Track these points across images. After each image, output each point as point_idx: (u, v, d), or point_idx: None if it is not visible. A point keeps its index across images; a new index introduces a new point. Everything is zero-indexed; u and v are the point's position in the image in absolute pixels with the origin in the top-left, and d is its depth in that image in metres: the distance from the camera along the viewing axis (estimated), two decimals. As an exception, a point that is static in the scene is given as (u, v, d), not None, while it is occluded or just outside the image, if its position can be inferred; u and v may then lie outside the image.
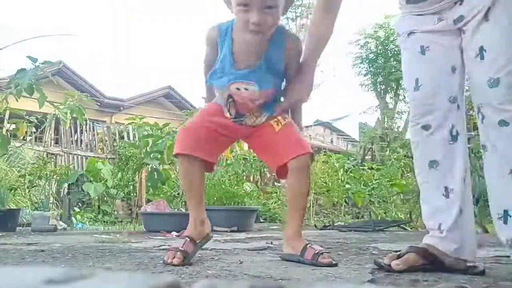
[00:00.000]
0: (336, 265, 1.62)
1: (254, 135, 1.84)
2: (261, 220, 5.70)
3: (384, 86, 13.15)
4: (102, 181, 5.43)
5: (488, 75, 1.42)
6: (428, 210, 1.56)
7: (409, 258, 1.46)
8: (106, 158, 6.18)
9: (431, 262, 1.45)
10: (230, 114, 1.77)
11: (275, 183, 7.33)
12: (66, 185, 5.26)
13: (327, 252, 1.69)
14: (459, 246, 1.46)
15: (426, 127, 1.58)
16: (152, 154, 5.21)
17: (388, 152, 8.63)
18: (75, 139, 7.68)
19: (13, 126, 4.98)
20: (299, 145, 1.74)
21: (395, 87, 13.11)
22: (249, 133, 1.85)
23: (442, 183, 1.53)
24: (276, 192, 6.56)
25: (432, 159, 1.56)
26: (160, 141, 5.28)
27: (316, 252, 1.65)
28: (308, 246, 1.70)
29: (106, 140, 6.78)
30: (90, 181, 5.44)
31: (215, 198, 4.65)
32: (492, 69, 1.42)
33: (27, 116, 4.75)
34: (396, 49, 11.89)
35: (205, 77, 1.85)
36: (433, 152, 1.57)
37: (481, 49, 1.44)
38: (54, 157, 6.60)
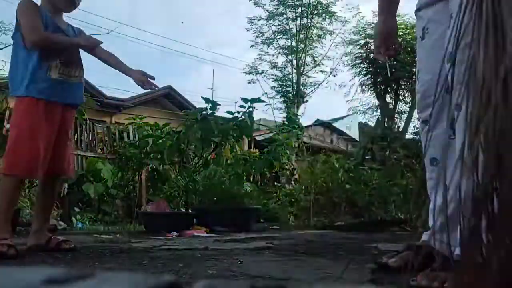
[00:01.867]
0: (74, 249, 2.13)
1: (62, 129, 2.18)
2: (261, 220, 5.69)
3: (384, 86, 13.14)
4: (102, 181, 5.42)
5: (449, 49, 1.26)
6: (430, 208, 1.52)
7: (405, 255, 1.45)
8: (106, 158, 6.17)
9: (428, 259, 1.42)
10: (59, 58, 2.12)
11: (275, 183, 7.33)
12: (66, 185, 5.26)
13: (69, 241, 2.20)
14: (452, 244, 1.41)
15: (425, 122, 1.52)
16: (152, 154, 5.20)
17: (388, 152, 8.62)
18: (75, 139, 7.67)
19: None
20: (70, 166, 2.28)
21: (395, 87, 13.10)
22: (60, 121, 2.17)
23: (442, 181, 1.48)
24: (276, 192, 6.55)
25: (433, 156, 1.51)
26: (160, 141, 5.27)
27: (60, 241, 2.15)
28: (52, 237, 2.17)
29: (106, 140, 6.78)
30: (90, 181, 5.43)
31: (215, 198, 4.65)
32: (452, 41, 1.24)
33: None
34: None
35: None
36: (433, 149, 1.51)
37: (451, 17, 1.24)
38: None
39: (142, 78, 2.26)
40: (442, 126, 1.47)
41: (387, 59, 1.80)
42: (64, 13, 2.29)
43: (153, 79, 2.29)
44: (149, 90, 2.46)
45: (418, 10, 1.52)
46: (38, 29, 2.08)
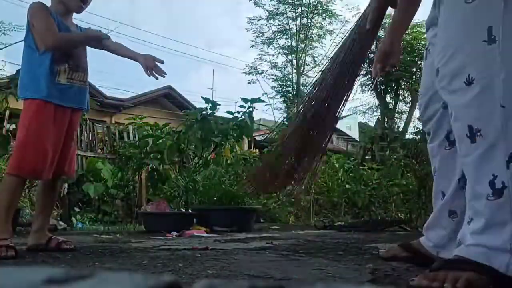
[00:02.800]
0: (74, 249, 2.12)
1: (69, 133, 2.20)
2: (261, 220, 5.69)
3: (384, 86, 13.14)
4: (102, 181, 5.42)
5: (435, 64, 1.30)
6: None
7: (394, 249, 1.60)
8: (106, 158, 6.17)
9: (414, 255, 1.55)
10: (68, 63, 2.14)
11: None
12: (66, 185, 5.26)
13: (69, 241, 2.18)
14: (435, 244, 1.53)
15: (428, 134, 1.64)
16: (152, 154, 5.20)
17: (388, 152, 8.62)
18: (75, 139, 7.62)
19: (13, 126, 4.97)
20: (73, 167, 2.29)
21: (395, 87, 13.09)
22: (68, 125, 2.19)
23: (439, 189, 1.58)
24: (276, 192, 6.55)
25: (433, 165, 1.62)
26: (160, 141, 5.27)
27: (60, 241, 2.14)
28: (52, 237, 2.17)
29: (106, 140, 6.78)
30: (90, 181, 5.43)
31: (215, 198, 4.65)
32: (437, 58, 1.29)
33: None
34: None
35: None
36: (433, 159, 1.61)
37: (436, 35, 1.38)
38: (54, 157, 6.51)
39: (150, 64, 2.21)
40: (439, 138, 1.58)
41: (378, 76, 1.94)
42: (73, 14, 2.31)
43: (162, 62, 2.24)
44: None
45: (426, 31, 1.65)
46: (54, 31, 2.10)
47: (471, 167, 1.17)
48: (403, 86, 12.92)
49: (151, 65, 2.20)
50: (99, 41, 2.26)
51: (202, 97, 4.92)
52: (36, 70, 2.09)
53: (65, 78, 2.13)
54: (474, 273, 1.09)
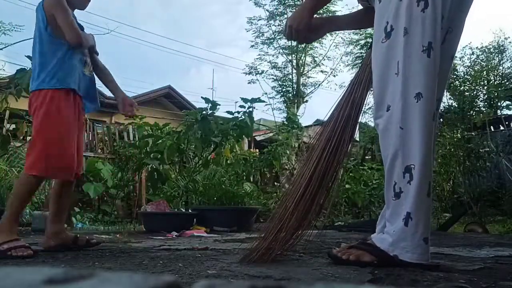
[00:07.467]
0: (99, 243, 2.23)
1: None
2: (261, 220, 5.69)
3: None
4: (102, 181, 5.42)
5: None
6: None
7: (345, 247, 1.65)
8: (106, 158, 6.17)
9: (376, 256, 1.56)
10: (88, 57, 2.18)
11: (275, 183, 7.33)
12: (66, 185, 5.24)
13: (93, 238, 2.25)
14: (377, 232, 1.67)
15: None
16: (152, 154, 5.20)
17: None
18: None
19: (13, 126, 4.98)
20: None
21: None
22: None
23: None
24: (276, 192, 6.55)
25: None
26: (160, 141, 5.27)
27: (87, 238, 2.21)
28: (78, 236, 2.21)
29: (106, 140, 6.77)
30: (90, 181, 5.43)
31: (215, 198, 4.65)
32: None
33: (27, 116, 4.74)
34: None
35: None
36: None
37: None
38: (54, 157, 6.50)
39: (126, 102, 2.31)
40: None
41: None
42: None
43: (137, 109, 2.39)
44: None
45: None
46: (77, 28, 2.10)
47: (386, 175, 1.54)
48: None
49: (126, 105, 2.32)
50: (91, 50, 2.27)
51: (202, 97, 4.92)
52: (67, 61, 2.07)
53: (88, 71, 2.20)
54: (365, 251, 1.52)
